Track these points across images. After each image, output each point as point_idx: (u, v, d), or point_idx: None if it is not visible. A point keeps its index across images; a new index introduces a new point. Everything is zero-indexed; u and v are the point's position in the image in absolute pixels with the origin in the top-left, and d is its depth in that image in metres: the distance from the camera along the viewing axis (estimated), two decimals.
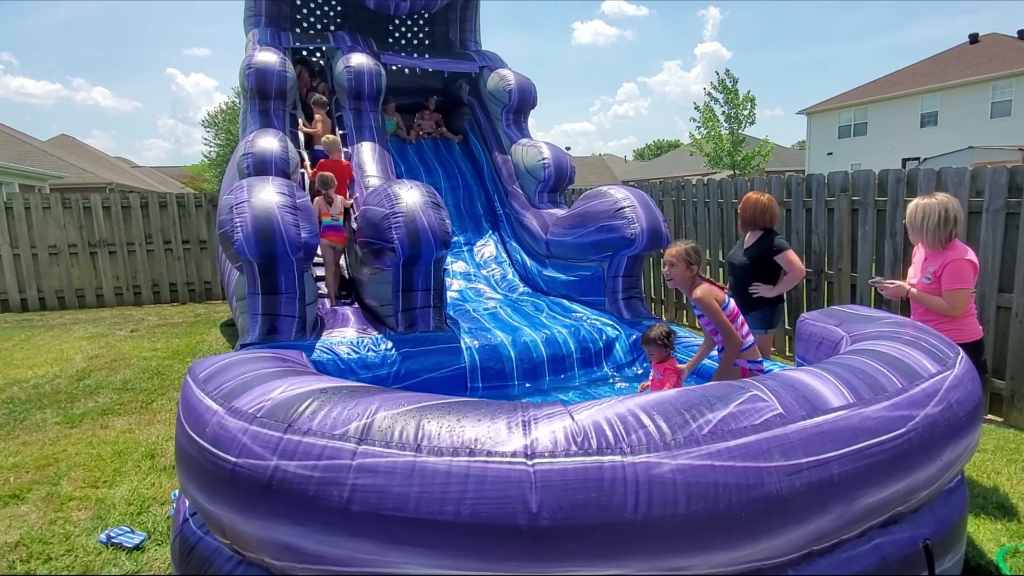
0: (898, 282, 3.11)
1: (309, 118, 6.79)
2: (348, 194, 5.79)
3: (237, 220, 3.72)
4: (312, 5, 8.31)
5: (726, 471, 1.46)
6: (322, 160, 5.86)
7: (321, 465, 1.41)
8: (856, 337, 2.59)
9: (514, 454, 1.38)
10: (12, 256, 8.78)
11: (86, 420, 4.01)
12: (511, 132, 7.28)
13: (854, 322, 2.81)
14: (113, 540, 2.55)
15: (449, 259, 6.63)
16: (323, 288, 5.34)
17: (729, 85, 22.18)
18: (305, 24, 8.29)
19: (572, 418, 1.49)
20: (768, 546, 1.50)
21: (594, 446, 1.41)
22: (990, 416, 4.04)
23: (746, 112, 22.30)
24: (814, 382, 1.83)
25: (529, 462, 1.37)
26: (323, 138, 6.07)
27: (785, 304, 5.66)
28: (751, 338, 3.08)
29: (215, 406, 1.70)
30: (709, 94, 22.70)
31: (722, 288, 3.10)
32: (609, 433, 1.46)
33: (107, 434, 3.77)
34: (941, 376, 2.00)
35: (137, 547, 2.51)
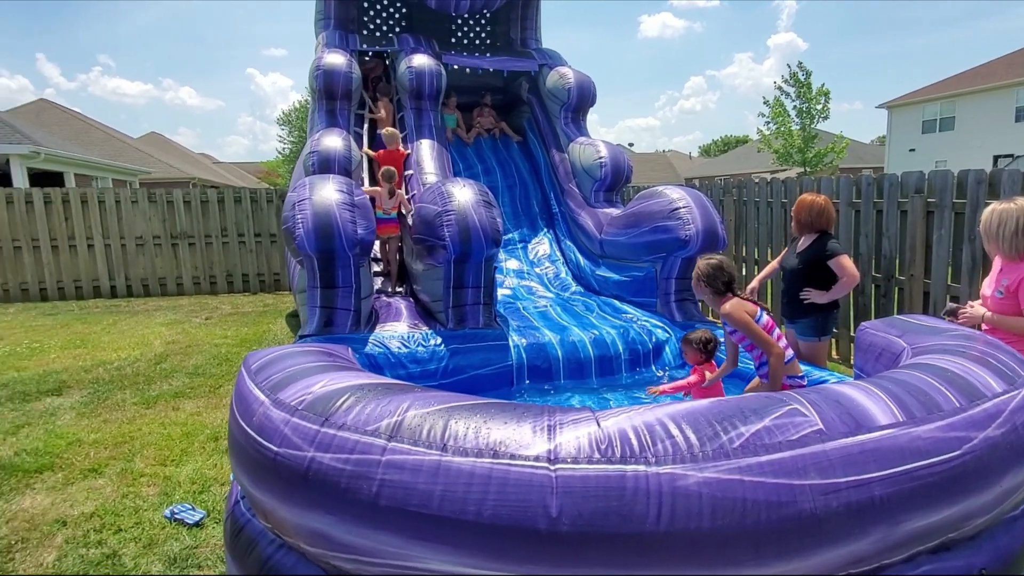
0: (971, 310, 2.87)
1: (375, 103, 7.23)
2: (403, 183, 6.09)
3: (299, 216, 3.90)
4: (379, 7, 8.54)
5: (756, 487, 1.42)
6: (382, 151, 6.21)
7: (353, 459, 1.48)
8: (918, 350, 2.45)
9: (537, 458, 1.40)
10: (104, 246, 9.51)
11: (160, 402, 4.32)
12: (569, 130, 7.25)
13: (918, 333, 2.66)
14: (176, 516, 2.74)
15: (503, 256, 6.69)
16: (378, 283, 5.55)
17: (802, 78, 21.17)
18: (372, 26, 8.54)
19: (598, 424, 1.49)
20: (799, 566, 1.45)
21: (618, 454, 1.40)
22: None
23: (819, 106, 21.23)
24: (861, 397, 1.75)
25: (551, 467, 1.39)
26: (383, 130, 6.36)
27: (851, 311, 5.39)
28: (790, 351, 2.96)
29: (262, 397, 1.80)
30: (780, 88, 21.77)
31: (754, 302, 3.01)
32: (635, 441, 1.45)
33: (177, 416, 4.04)
34: (1007, 396, 1.86)
35: (197, 524, 2.69)
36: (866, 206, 5.22)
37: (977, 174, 4.35)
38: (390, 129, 6.36)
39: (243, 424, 1.78)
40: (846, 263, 3.63)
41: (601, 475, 1.37)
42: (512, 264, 6.61)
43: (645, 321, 4.64)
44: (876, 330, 2.91)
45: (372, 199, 5.55)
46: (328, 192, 4.03)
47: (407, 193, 5.99)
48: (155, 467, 3.27)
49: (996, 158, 20.99)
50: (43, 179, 14.70)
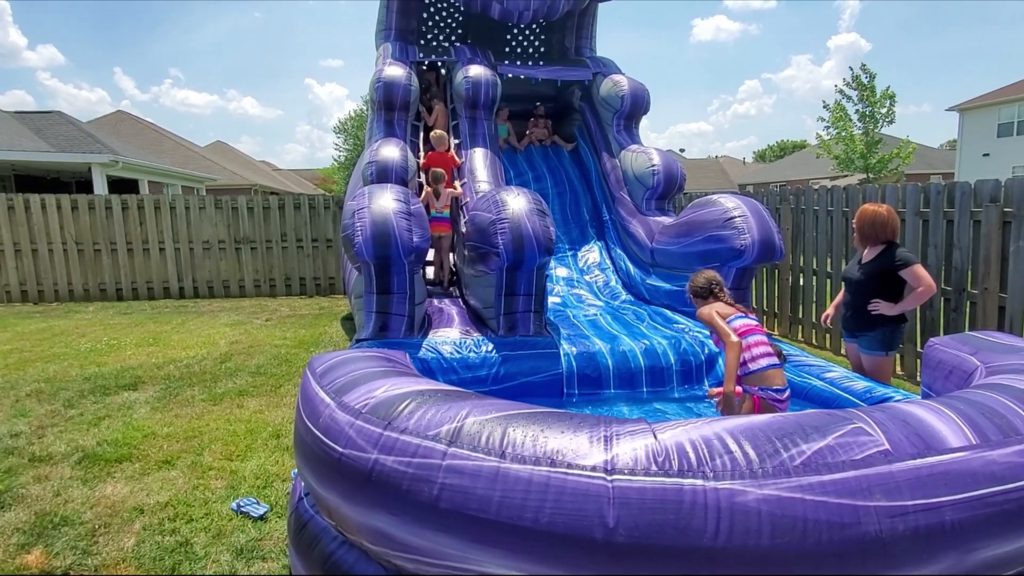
0: None
1: (429, 111, 7.44)
2: (455, 183, 6.30)
3: (358, 224, 4.04)
4: (437, 18, 8.73)
5: (817, 506, 1.39)
6: (430, 153, 6.43)
7: (415, 462, 1.53)
8: (993, 369, 2.34)
9: (594, 468, 1.42)
10: (174, 249, 10.06)
11: (226, 399, 4.54)
12: (621, 138, 7.22)
13: (992, 351, 2.54)
14: (242, 509, 2.88)
15: (553, 264, 6.71)
16: (430, 274, 5.97)
17: (865, 81, 20.34)
18: (430, 36, 8.74)
19: (655, 437, 1.50)
20: None
21: (675, 467, 1.41)
22: None
23: (884, 110, 20.34)
24: (931, 418, 1.69)
25: (608, 478, 1.40)
26: (432, 133, 6.58)
27: (918, 326, 5.16)
28: (765, 361, 2.82)
29: (328, 399, 1.88)
30: (841, 91, 20.98)
31: (733, 305, 3.05)
32: (692, 455, 1.45)
33: (242, 413, 4.24)
34: None
35: (261, 517, 2.82)
36: (935, 216, 4.99)
37: None
38: (438, 132, 6.57)
39: (310, 425, 1.87)
40: (921, 272, 3.47)
41: (658, 487, 1.38)
42: (562, 272, 6.62)
43: (698, 332, 4.57)
44: (946, 347, 2.80)
45: (426, 202, 5.92)
46: (386, 201, 4.15)
47: (462, 200, 6.11)
48: (222, 461, 3.44)
49: None
50: (120, 186, 15.66)
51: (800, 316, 6.72)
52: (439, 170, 5.97)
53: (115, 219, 9.84)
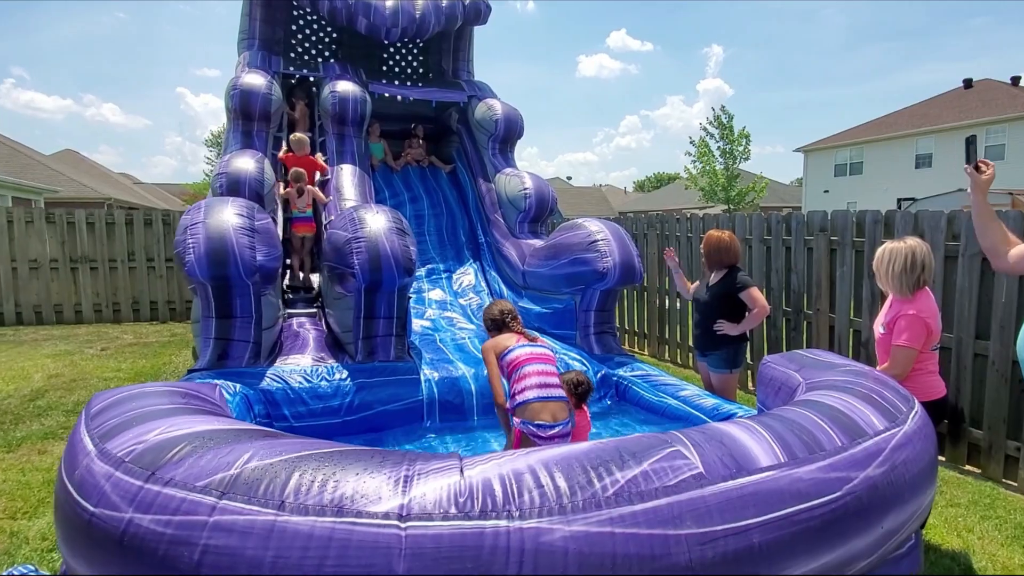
0: None
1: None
2: (318, 187, 6.23)
3: (190, 241, 3.63)
4: (308, 31, 8.36)
5: (627, 539, 1.31)
6: (288, 154, 6.24)
7: (176, 521, 1.28)
8: (811, 385, 2.47)
9: (386, 515, 1.25)
10: None
11: (25, 444, 3.86)
12: (496, 161, 7.25)
13: (813, 368, 2.69)
14: None
15: (426, 286, 6.53)
16: (287, 280, 5.88)
17: (725, 121, 22.40)
18: (300, 49, 8.34)
19: (461, 474, 1.36)
20: None
21: (477, 508, 1.27)
22: (968, 467, 3.87)
23: (741, 148, 22.47)
24: (744, 437, 1.70)
25: (402, 525, 1.24)
26: (292, 136, 6.35)
27: (764, 344, 5.53)
28: (533, 394, 2.67)
29: (90, 446, 1.57)
30: (704, 129, 22.94)
31: (522, 333, 3.06)
32: (499, 493, 1.32)
33: (42, 460, 3.61)
34: (887, 434, 1.86)
35: None
36: (776, 243, 5.41)
37: (874, 215, 4.58)
38: (298, 135, 6.36)
39: (64, 479, 1.54)
40: (756, 295, 3.70)
41: (456, 533, 1.23)
42: (435, 294, 6.45)
43: (563, 354, 4.57)
44: (776, 364, 2.94)
45: (287, 200, 5.91)
46: (225, 215, 3.78)
47: (325, 218, 5.79)
48: (3, 521, 2.87)
49: (900, 201, 22.71)
50: None
51: (667, 336, 7.02)
52: (299, 169, 5.90)
53: None
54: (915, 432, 1.95)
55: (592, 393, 3.33)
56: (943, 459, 3.96)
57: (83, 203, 19.42)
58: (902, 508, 1.76)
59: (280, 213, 5.97)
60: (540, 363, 2.81)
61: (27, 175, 19.86)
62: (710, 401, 3.66)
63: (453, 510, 1.26)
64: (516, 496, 1.32)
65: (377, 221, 4.17)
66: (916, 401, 2.21)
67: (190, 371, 3.77)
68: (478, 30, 8.67)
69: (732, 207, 22.71)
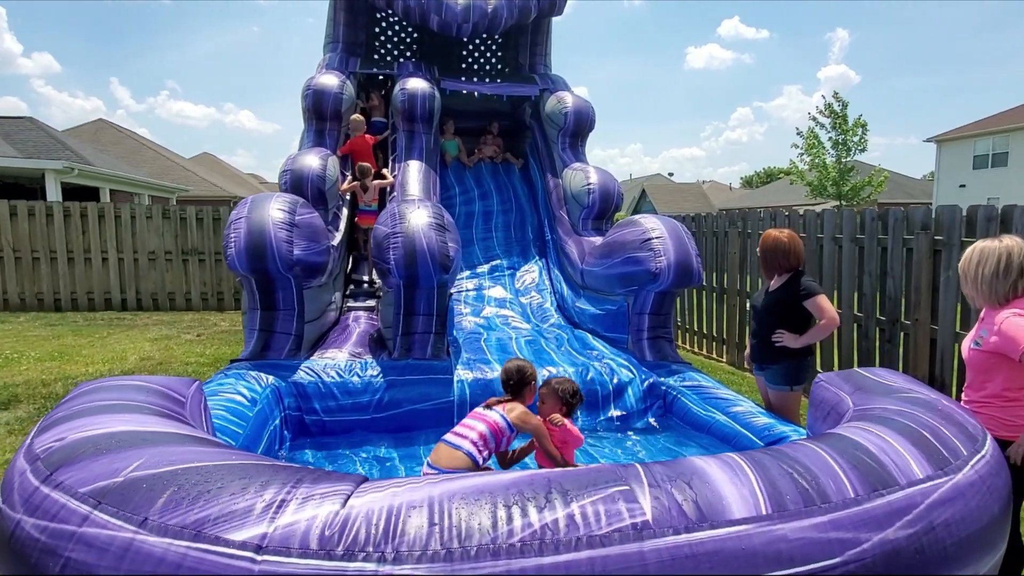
0: None
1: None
2: (385, 171, 6.51)
3: (232, 235, 3.75)
4: (389, 32, 8.55)
5: None
6: (348, 140, 6.51)
7: (50, 528, 1.22)
8: (859, 413, 2.06)
9: (243, 545, 1.11)
10: (117, 259, 9.72)
11: None
12: (566, 155, 6.99)
13: (868, 392, 2.26)
14: None
15: (487, 284, 6.44)
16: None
17: (838, 110, 20.36)
18: (383, 51, 8.55)
19: (344, 502, 1.19)
20: None
21: (342, 547, 1.10)
22: None
23: (856, 138, 20.33)
24: (723, 479, 1.39)
25: (257, 558, 1.10)
26: (351, 118, 6.57)
27: (855, 357, 4.88)
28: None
29: (29, 440, 1.57)
30: (814, 119, 20.99)
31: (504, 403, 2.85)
32: (379, 529, 1.14)
33: None
34: (927, 485, 1.47)
35: None
36: (869, 242, 4.75)
37: (987, 210, 3.88)
38: (355, 115, 6.58)
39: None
40: (824, 304, 3.22)
41: (311, 573, 1.07)
42: (496, 292, 6.33)
43: (610, 360, 4.28)
44: (829, 384, 2.52)
45: (354, 194, 6.16)
46: (267, 211, 3.86)
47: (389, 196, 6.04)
48: None
49: None
50: (80, 194, 15.31)
51: (745, 342, 6.44)
52: (365, 164, 6.11)
53: (56, 226, 9.50)
54: (972, 484, 1.53)
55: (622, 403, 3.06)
56: None
57: (211, 201, 21.35)
58: None
59: (345, 208, 6.12)
60: (472, 419, 2.75)
61: (165, 176, 22.17)
62: (762, 420, 3.24)
63: (314, 546, 1.10)
64: (397, 535, 1.13)
65: (417, 217, 4.11)
66: (989, 442, 1.76)
67: (232, 361, 3.90)
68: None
69: (844, 203, 20.68)
